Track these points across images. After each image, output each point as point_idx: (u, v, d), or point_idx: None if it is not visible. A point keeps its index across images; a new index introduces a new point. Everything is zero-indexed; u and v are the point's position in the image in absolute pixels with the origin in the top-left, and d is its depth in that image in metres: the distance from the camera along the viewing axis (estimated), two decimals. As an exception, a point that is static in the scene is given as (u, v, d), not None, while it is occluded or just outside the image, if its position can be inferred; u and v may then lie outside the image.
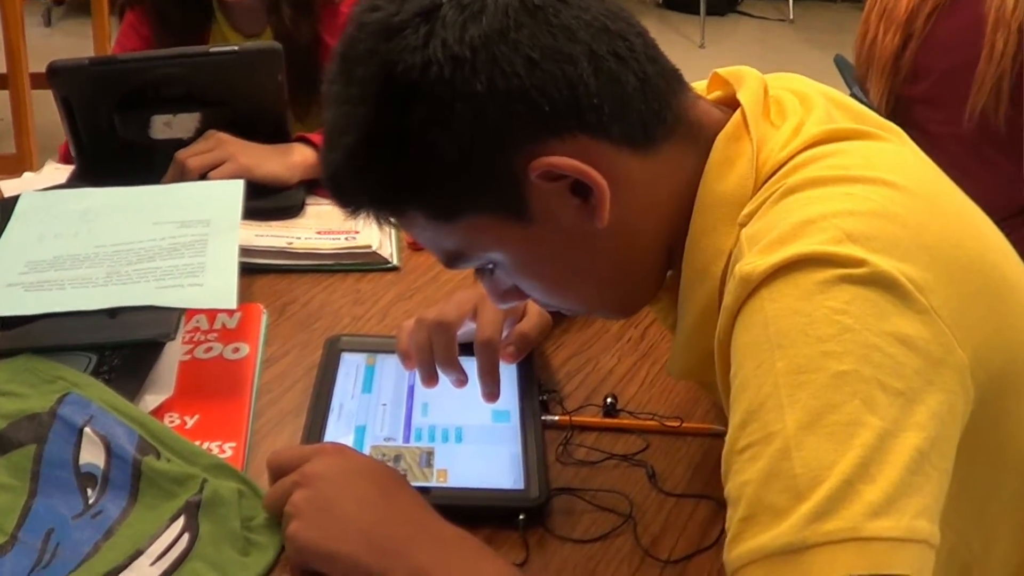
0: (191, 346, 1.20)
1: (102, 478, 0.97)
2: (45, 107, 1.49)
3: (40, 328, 1.12)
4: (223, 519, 0.93)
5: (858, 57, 2.10)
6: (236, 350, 1.20)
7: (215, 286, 1.11)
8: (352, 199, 0.85)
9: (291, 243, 1.42)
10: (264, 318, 1.27)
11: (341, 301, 1.34)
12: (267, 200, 1.49)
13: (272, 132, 1.55)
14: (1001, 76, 1.77)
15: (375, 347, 1.18)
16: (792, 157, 0.81)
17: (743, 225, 0.80)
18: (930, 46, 1.92)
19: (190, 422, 1.08)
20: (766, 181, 0.81)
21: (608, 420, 1.09)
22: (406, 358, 1.09)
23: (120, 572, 0.89)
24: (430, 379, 1.07)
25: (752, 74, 0.89)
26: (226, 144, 1.50)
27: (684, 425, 1.08)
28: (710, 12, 5.43)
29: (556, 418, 1.08)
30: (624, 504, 0.97)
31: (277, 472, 0.93)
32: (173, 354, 1.16)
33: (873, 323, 0.68)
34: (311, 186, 1.54)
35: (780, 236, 0.73)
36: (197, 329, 1.23)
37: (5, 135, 3.60)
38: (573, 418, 1.08)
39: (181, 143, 1.51)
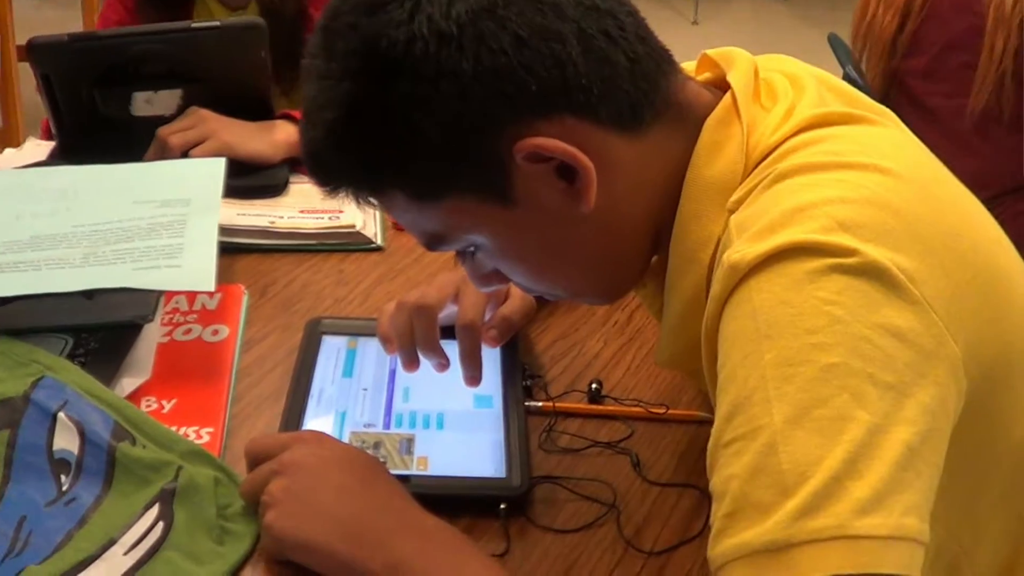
0: (170, 328, 1.18)
1: (76, 464, 0.95)
2: (33, 80, 1.46)
3: (15, 310, 1.09)
4: (198, 507, 0.91)
5: (855, 36, 2.08)
6: (216, 332, 1.17)
7: (193, 268, 1.09)
8: (331, 178, 0.82)
9: (273, 222, 1.39)
10: (245, 299, 1.24)
11: (324, 282, 1.31)
12: (250, 178, 1.47)
13: (256, 109, 1.52)
14: (1003, 74, 1.76)
15: (357, 330, 1.16)
16: (783, 142, 0.79)
17: (732, 211, 0.78)
18: (929, 20, 1.91)
19: (167, 406, 1.06)
20: (756, 166, 0.79)
21: (592, 406, 1.07)
22: (387, 342, 1.07)
23: (93, 562, 0.87)
24: (411, 363, 1.05)
25: (742, 55, 0.86)
26: (208, 121, 1.47)
27: (670, 412, 1.06)
28: (704, -12, 5.39)
29: (540, 404, 1.06)
30: (607, 493, 0.95)
31: (255, 460, 0.91)
32: (151, 336, 1.14)
33: (864, 314, 0.67)
34: (295, 164, 1.52)
35: (770, 224, 0.71)
36: (176, 310, 1.21)
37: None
38: (557, 404, 1.06)
39: (163, 120, 1.49)
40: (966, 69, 1.84)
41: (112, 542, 0.88)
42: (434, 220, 0.83)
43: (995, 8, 1.76)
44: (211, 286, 1.07)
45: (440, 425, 1.02)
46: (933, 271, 0.70)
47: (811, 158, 0.76)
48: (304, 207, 1.44)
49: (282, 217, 1.41)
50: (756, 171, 0.78)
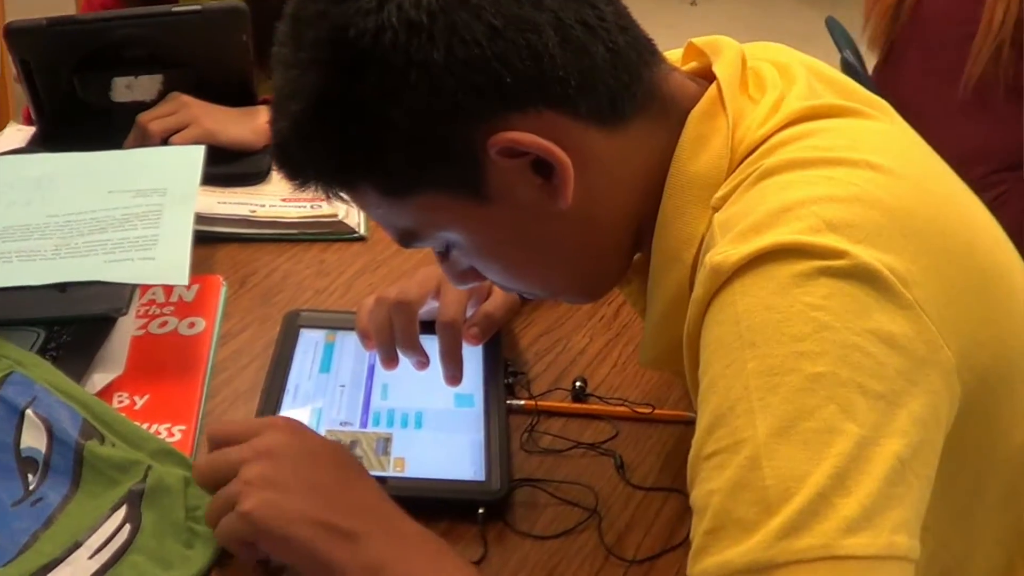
0: (145, 320, 1.15)
1: (43, 463, 0.92)
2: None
3: (-15, 302, 1.07)
4: (167, 509, 0.88)
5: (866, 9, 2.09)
6: (192, 325, 1.14)
7: (167, 261, 1.06)
8: (299, 171, 0.79)
9: (254, 211, 1.36)
10: (223, 291, 1.21)
11: (304, 272, 1.28)
12: (231, 166, 1.44)
13: (238, 94, 1.49)
14: (1000, 45, 1.75)
15: (336, 323, 1.13)
16: (770, 136, 0.76)
17: (716, 209, 0.74)
18: None
19: (140, 402, 1.03)
20: (742, 161, 0.76)
21: (576, 405, 1.04)
22: (365, 338, 1.04)
23: (57, 565, 0.84)
24: (390, 361, 1.02)
25: (729, 44, 0.83)
26: (189, 107, 1.44)
27: (656, 412, 1.03)
28: (703, -31, 5.35)
29: (522, 402, 1.04)
30: (589, 497, 0.92)
31: (220, 444, 0.86)
32: (126, 329, 1.11)
33: (853, 320, 0.64)
34: (278, 151, 1.48)
35: (754, 224, 0.68)
36: (153, 302, 1.18)
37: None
38: (539, 403, 1.03)
39: (144, 106, 1.45)
40: (967, 39, 1.83)
41: (77, 545, 0.86)
42: (406, 216, 0.79)
43: None
44: (185, 280, 1.05)
45: (419, 424, 0.99)
46: (926, 272, 0.67)
47: (799, 153, 0.72)
48: (286, 195, 1.40)
49: (263, 206, 1.38)
50: (742, 167, 0.75)
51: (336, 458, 0.86)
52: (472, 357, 1.06)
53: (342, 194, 0.80)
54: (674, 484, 0.94)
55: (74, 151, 1.30)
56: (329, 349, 1.09)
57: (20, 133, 1.60)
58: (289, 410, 1.00)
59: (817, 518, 0.59)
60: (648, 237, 0.81)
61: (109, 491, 0.90)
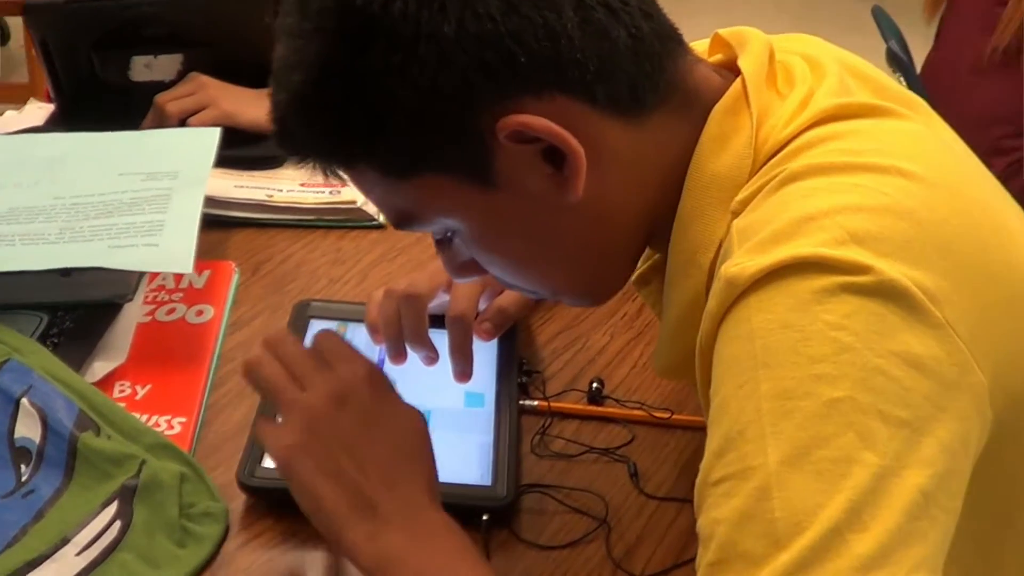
0: (153, 307, 1.12)
1: (37, 454, 0.90)
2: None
3: (-11, 285, 1.04)
4: (160, 506, 0.86)
5: None
6: (200, 313, 1.11)
7: (172, 248, 1.03)
8: (298, 146, 0.75)
9: (271, 195, 1.33)
10: (235, 277, 1.18)
11: (320, 260, 1.25)
12: (250, 148, 1.40)
13: (259, 75, 1.44)
14: None
15: (347, 315, 1.09)
16: (796, 136, 0.71)
17: (736, 213, 0.70)
18: None
19: (141, 392, 1.00)
20: (766, 162, 0.71)
21: (591, 408, 1.00)
22: (374, 332, 1.00)
23: (43, 561, 0.82)
24: (398, 356, 0.99)
25: (756, 36, 0.78)
26: (208, 88, 1.41)
27: (674, 417, 0.99)
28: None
29: (535, 403, 1.00)
30: (599, 506, 0.88)
31: (284, 359, 0.81)
32: (131, 316, 1.09)
33: (876, 341, 0.59)
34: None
35: (774, 233, 0.63)
36: (162, 288, 1.15)
37: (20, 63, 3.54)
38: (553, 404, 1.00)
39: (163, 86, 1.43)
40: (998, 5, 1.83)
41: (65, 541, 0.83)
42: (405, 197, 0.75)
43: None
44: (189, 268, 1.01)
45: (427, 423, 0.96)
46: (959, 289, 0.62)
47: (825, 158, 0.68)
48: (305, 180, 1.37)
49: (281, 190, 1.35)
50: (765, 168, 0.70)
51: (398, 430, 0.80)
52: (486, 354, 1.03)
53: (340, 173, 0.76)
54: (689, 494, 0.87)
55: (92, 131, 1.28)
56: (339, 341, 1.06)
57: (41, 111, 1.59)
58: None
59: (829, 555, 0.55)
60: (666, 237, 0.76)
61: (102, 484, 0.87)
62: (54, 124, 1.48)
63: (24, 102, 1.63)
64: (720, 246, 0.71)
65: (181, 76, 1.44)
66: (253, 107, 1.42)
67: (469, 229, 0.77)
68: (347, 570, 0.83)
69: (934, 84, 2.01)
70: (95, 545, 0.83)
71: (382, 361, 1.03)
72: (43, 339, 1.02)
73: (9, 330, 0.99)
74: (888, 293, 0.60)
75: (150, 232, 1.05)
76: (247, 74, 1.44)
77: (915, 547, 0.56)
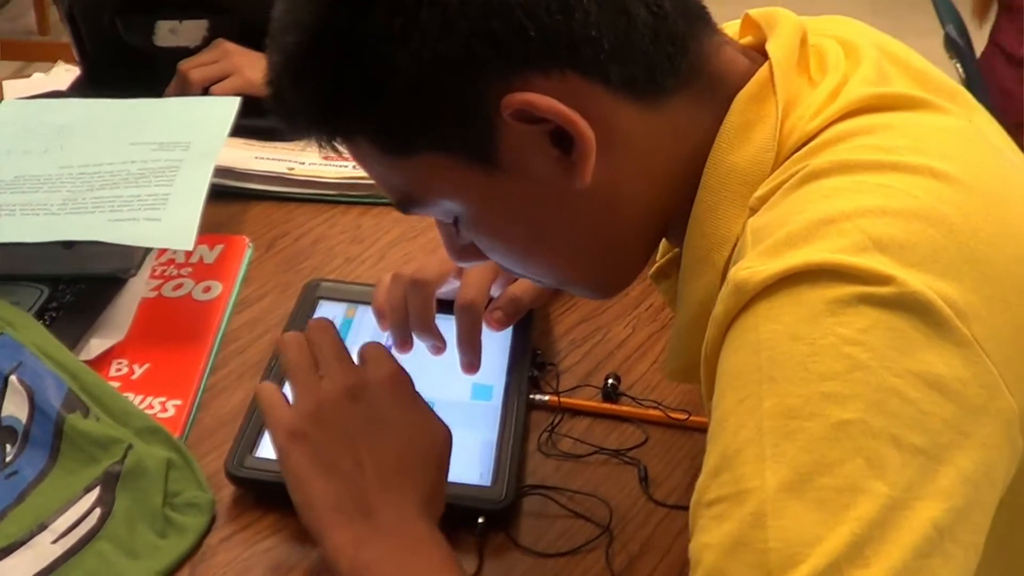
0: (160, 281, 1.08)
1: (23, 434, 0.87)
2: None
3: (-10, 255, 1.02)
4: (143, 493, 0.82)
5: None
6: (207, 289, 1.08)
7: (174, 223, 0.99)
8: (291, 114, 0.71)
9: (292, 168, 1.29)
10: (248, 253, 1.15)
11: (338, 237, 1.21)
12: (272, 118, 1.36)
13: (285, 44, 1.41)
14: None
15: (358, 297, 1.05)
16: (824, 128, 0.65)
17: (754, 210, 0.64)
18: None
19: (138, 371, 0.97)
20: (790, 156, 0.65)
21: (604, 405, 0.95)
22: (380, 317, 0.96)
23: (18, 548, 0.79)
24: (403, 343, 0.94)
25: (787, 17, 0.72)
26: (232, 55, 1.37)
27: (691, 419, 0.93)
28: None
29: (546, 398, 0.95)
30: (604, 512, 0.83)
31: (315, 345, 0.81)
32: (135, 291, 1.05)
33: (894, 359, 0.53)
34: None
35: (789, 236, 0.58)
36: (172, 262, 1.12)
37: (59, 23, 3.53)
38: (564, 400, 0.95)
39: (187, 52, 1.39)
40: None
41: (42, 527, 0.80)
42: (404, 177, 0.71)
43: None
44: (190, 245, 0.97)
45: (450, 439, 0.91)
46: (990, 304, 0.57)
47: (851, 154, 0.62)
48: (328, 153, 1.32)
49: (303, 163, 1.30)
50: (788, 162, 0.65)
51: (408, 436, 0.77)
52: (499, 343, 0.98)
53: (336, 145, 0.71)
54: (700, 505, 0.85)
55: (115, 96, 1.24)
56: (347, 325, 1.02)
57: (68, 74, 1.57)
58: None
59: None
60: (683, 232, 0.71)
61: (86, 468, 0.84)
62: (79, 89, 1.47)
63: (69, 60, 1.61)
64: (736, 245, 0.65)
65: (207, 42, 1.40)
66: (277, 76, 1.39)
67: (470, 213, 0.72)
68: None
69: (991, 74, 1.94)
70: (72, 533, 0.79)
71: (390, 349, 0.98)
72: (41, 312, 0.99)
73: (3, 302, 0.96)
74: (910, 307, 0.54)
75: (153, 206, 1.01)
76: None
77: None
